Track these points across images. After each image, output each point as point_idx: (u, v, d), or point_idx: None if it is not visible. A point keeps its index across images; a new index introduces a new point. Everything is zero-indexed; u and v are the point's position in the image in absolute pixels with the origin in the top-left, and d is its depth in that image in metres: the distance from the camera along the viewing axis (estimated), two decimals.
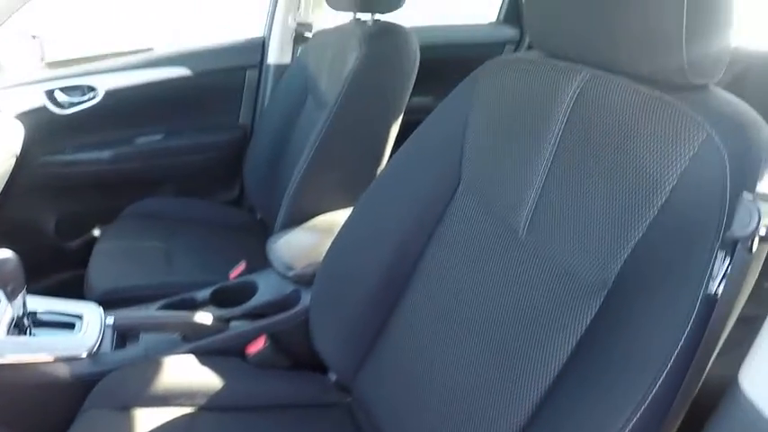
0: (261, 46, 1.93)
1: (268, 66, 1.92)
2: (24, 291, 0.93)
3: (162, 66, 1.84)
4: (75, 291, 1.32)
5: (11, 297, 0.92)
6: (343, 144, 1.38)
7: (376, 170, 1.40)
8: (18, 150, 1.63)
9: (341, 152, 1.38)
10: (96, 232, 1.84)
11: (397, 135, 1.40)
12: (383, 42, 1.38)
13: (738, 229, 0.49)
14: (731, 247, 0.51)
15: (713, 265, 0.52)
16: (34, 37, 1.92)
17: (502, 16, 2.33)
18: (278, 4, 1.90)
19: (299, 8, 1.91)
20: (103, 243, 1.60)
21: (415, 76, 1.40)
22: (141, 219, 1.71)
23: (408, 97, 1.40)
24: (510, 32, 2.29)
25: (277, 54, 1.91)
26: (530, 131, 0.76)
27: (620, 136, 0.65)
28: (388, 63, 1.38)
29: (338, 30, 1.55)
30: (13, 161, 1.61)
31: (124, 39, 2.58)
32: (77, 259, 1.65)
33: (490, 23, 2.37)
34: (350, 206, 1.03)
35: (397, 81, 1.38)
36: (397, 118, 1.40)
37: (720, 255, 0.52)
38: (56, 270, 1.80)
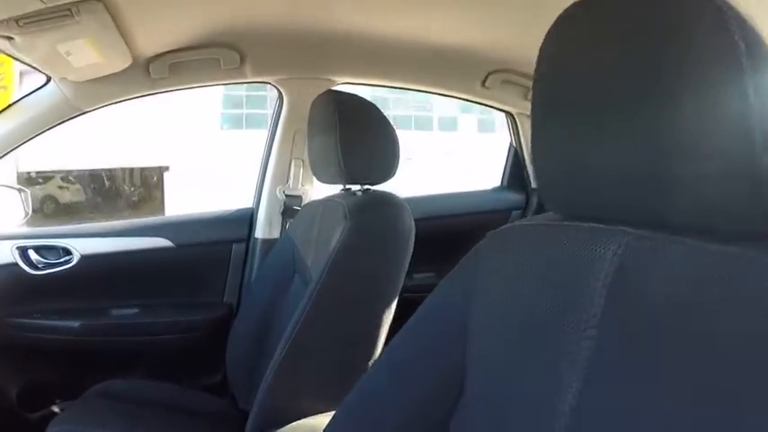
0: (249, 218, 1.84)
1: (256, 240, 1.81)
2: None
3: (144, 234, 1.75)
4: None
5: None
6: (326, 331, 1.20)
7: (366, 363, 1.20)
8: None
9: (322, 342, 1.20)
10: (56, 408, 1.65)
11: (397, 316, 1.21)
12: (373, 214, 1.25)
13: None
14: None
15: None
16: (21, 190, 1.82)
17: (505, 180, 2.20)
18: (266, 176, 1.83)
19: (288, 180, 1.82)
20: (59, 426, 1.38)
21: (410, 251, 1.25)
22: (105, 401, 1.51)
23: (404, 275, 1.25)
24: (515, 197, 2.16)
25: (265, 228, 1.81)
26: (555, 318, 0.54)
27: (698, 316, 0.44)
28: (378, 237, 1.24)
29: (326, 201, 1.44)
30: None
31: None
32: None
33: (493, 189, 2.24)
34: (332, 409, 0.80)
35: (390, 257, 1.23)
36: (391, 300, 1.24)
37: None
38: None
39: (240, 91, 11.64)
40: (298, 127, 1.77)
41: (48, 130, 1.60)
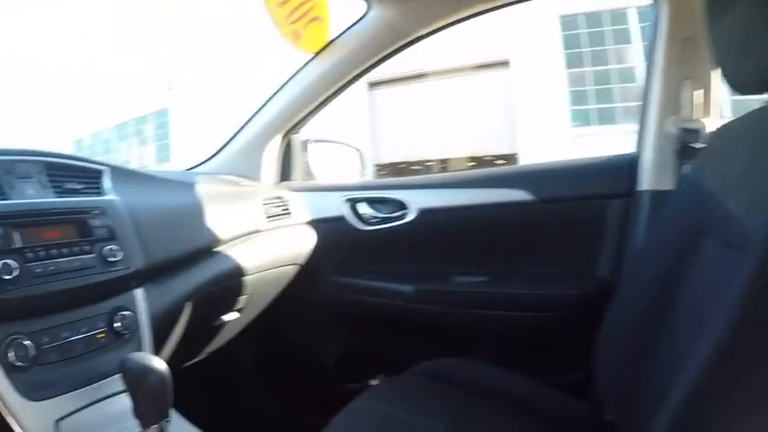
0: (629, 166, 1.33)
1: (640, 193, 1.30)
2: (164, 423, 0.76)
3: (496, 186, 1.41)
4: None
5: (146, 422, 0.76)
6: None
7: None
8: (304, 261, 1.45)
9: None
10: (375, 382, 1.49)
11: None
12: None
13: None
14: None
15: None
16: (357, 150, 1.79)
17: None
18: (649, 107, 1.30)
19: (680, 109, 1.26)
20: (369, 401, 1.15)
21: None
22: (431, 381, 1.22)
23: None
24: None
25: (653, 176, 1.28)
26: None
27: None
28: None
29: (751, 121, 0.86)
30: (295, 272, 1.42)
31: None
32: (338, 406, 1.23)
33: None
34: None
35: None
36: None
37: None
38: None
39: (587, 86, 10.95)
40: (688, 34, 1.24)
41: (379, 61, 1.43)
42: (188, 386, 1.40)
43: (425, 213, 1.41)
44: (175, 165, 15.96)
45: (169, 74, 16.89)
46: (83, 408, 0.86)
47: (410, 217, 1.41)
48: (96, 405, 0.87)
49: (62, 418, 0.83)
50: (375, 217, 1.46)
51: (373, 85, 12.11)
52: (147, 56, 17.01)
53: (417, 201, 1.42)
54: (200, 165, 1.68)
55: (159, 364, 0.77)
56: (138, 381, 0.76)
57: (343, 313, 1.56)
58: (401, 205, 1.43)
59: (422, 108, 12.13)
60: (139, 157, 19.68)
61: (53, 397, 0.83)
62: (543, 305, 1.36)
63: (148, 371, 0.76)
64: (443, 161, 12.54)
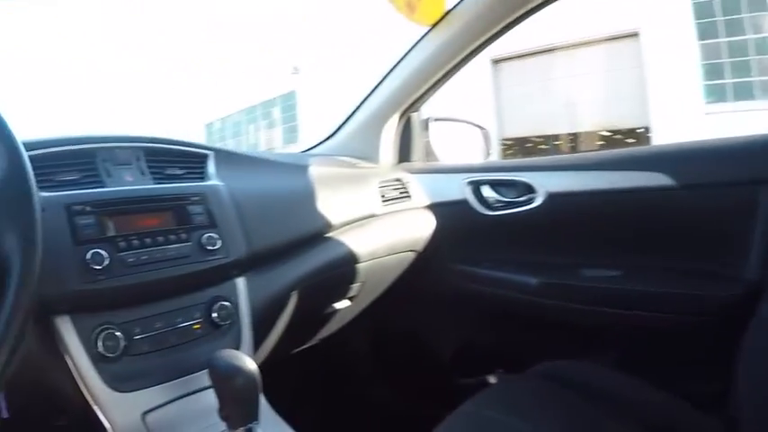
0: None
1: None
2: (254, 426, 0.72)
3: (630, 168, 1.23)
4: None
5: (233, 424, 0.72)
6: None
7: None
8: (422, 247, 1.38)
9: None
10: (492, 379, 1.39)
11: None
12: None
13: None
14: None
15: None
16: (481, 128, 1.68)
17: None
18: None
19: None
20: (483, 403, 1.03)
21: None
22: (553, 387, 1.09)
23: None
24: None
25: None
26: None
27: None
28: None
29: None
30: (411, 259, 1.36)
31: None
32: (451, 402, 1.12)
33: None
34: None
35: None
36: None
37: None
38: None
39: (722, 58, 9.88)
40: None
41: (500, 31, 1.32)
42: (295, 373, 1.38)
43: (554, 198, 1.27)
44: (301, 147, 16.58)
45: (296, 57, 17.47)
46: (171, 401, 0.83)
47: (537, 202, 1.28)
48: (185, 399, 0.84)
49: (149, 411, 0.81)
50: (499, 201, 1.33)
51: (497, 61, 11.82)
52: (273, 40, 17.70)
53: (546, 184, 1.27)
54: (315, 146, 1.65)
55: (249, 364, 0.72)
56: (224, 381, 0.72)
57: (460, 304, 1.47)
58: (528, 188, 1.29)
59: (549, 82, 11.66)
60: (267, 140, 20.66)
61: (142, 389, 0.81)
62: (682, 306, 1.18)
63: (236, 371, 0.71)
64: (572, 135, 12.00)
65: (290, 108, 18.98)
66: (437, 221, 1.41)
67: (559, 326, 1.33)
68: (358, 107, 1.56)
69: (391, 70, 1.47)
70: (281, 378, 1.12)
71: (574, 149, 11.98)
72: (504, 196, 1.33)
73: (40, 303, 0.71)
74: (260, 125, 21.23)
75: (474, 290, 1.39)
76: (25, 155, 0.63)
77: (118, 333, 0.79)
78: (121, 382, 0.79)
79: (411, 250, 1.38)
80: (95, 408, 0.78)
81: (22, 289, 0.56)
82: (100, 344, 0.78)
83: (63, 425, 0.91)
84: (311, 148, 1.66)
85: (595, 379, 1.10)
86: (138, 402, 0.80)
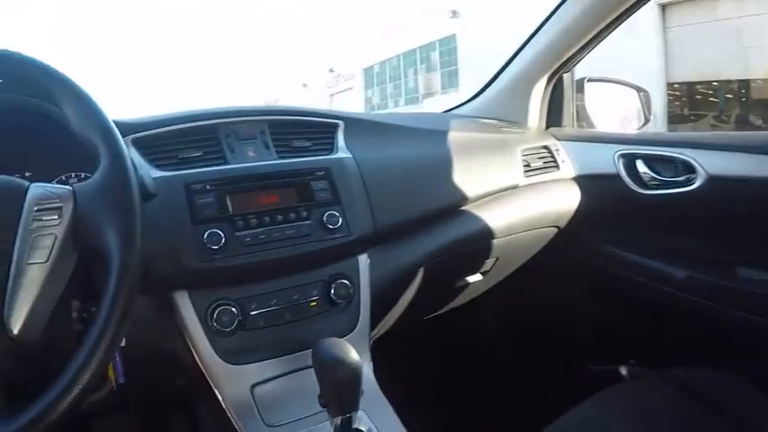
0: None
1: None
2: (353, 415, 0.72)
3: None
4: None
5: (332, 412, 0.72)
6: None
7: None
8: (564, 223, 1.28)
9: None
10: (623, 371, 1.30)
11: None
12: None
13: None
14: None
15: None
16: (640, 90, 1.50)
17: None
18: None
19: None
20: (605, 405, 0.96)
21: None
22: (686, 398, 0.97)
23: None
24: None
25: None
26: None
27: None
28: None
29: None
30: (551, 235, 1.28)
31: None
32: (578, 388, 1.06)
33: None
34: None
35: None
36: None
37: None
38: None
39: None
40: None
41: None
42: (412, 344, 1.36)
43: (716, 182, 1.09)
44: (461, 91, 16.32)
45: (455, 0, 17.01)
46: (280, 375, 0.85)
47: (696, 184, 1.11)
48: (293, 374, 0.85)
49: (258, 384, 0.83)
50: (654, 179, 1.19)
51: (665, 5, 10.58)
52: None
53: (708, 165, 1.10)
54: (459, 106, 1.58)
55: (352, 355, 0.71)
56: (326, 371, 0.72)
57: (599, 287, 1.36)
58: (687, 168, 1.13)
59: (723, 27, 10.22)
60: (426, 84, 20.59)
61: (253, 362, 0.83)
62: None
63: (339, 362, 0.70)
64: (742, 81, 10.54)
65: (449, 52, 18.64)
66: (582, 195, 1.29)
67: (704, 327, 1.19)
68: (505, 66, 1.46)
69: (542, 25, 1.35)
70: (397, 349, 1.11)
71: (746, 103, 10.51)
72: (659, 174, 1.18)
73: (159, 279, 0.76)
74: (419, 69, 21.15)
75: (615, 273, 1.28)
76: (127, 155, 0.65)
77: (234, 309, 0.81)
78: (234, 355, 0.82)
79: (551, 226, 1.29)
80: (209, 379, 0.82)
81: (122, 280, 0.59)
82: (215, 319, 0.81)
83: (182, 383, 0.97)
84: (455, 108, 1.59)
85: (736, 397, 0.97)
86: (249, 375, 0.83)
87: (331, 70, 28.28)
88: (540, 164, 1.28)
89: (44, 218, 0.60)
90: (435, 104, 13.80)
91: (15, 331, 0.57)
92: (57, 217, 0.61)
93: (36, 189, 0.62)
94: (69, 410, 0.55)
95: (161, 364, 0.91)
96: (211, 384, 0.83)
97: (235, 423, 0.81)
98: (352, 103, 26.09)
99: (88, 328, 0.59)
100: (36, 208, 0.60)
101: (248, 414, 0.82)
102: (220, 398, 0.83)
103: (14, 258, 0.58)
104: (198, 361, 0.82)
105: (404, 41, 20.87)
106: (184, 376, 0.94)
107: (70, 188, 0.64)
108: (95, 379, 0.57)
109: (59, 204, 0.61)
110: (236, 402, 0.82)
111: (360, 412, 0.74)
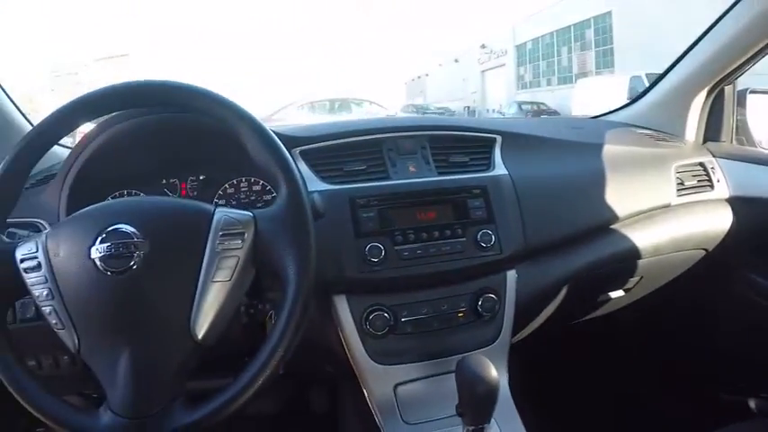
0: None
1: None
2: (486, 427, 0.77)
3: None
4: None
5: (467, 421, 0.77)
6: None
7: None
8: (712, 246, 1.24)
9: None
10: (751, 402, 1.21)
11: None
12: None
13: None
14: None
15: None
16: None
17: None
18: None
19: None
20: None
21: None
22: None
23: None
24: None
25: None
26: None
27: None
28: None
29: None
30: (697, 257, 1.26)
31: None
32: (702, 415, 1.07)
33: None
34: None
35: None
36: None
37: None
38: None
39: None
40: None
41: None
42: (547, 351, 1.37)
43: None
44: (616, 72, 15.39)
45: None
46: (422, 378, 0.91)
47: None
48: (434, 378, 0.91)
49: (401, 384, 0.90)
50: None
51: None
52: None
53: None
54: (614, 112, 1.55)
55: (492, 373, 0.74)
56: (467, 386, 0.75)
57: (740, 314, 1.30)
58: None
59: None
60: (580, 63, 19.65)
61: (399, 364, 0.90)
62: None
63: (479, 380, 0.74)
64: None
65: (604, 29, 17.61)
66: (734, 218, 1.23)
67: None
68: (664, 74, 1.41)
69: (708, 31, 1.29)
70: (531, 354, 1.14)
71: None
72: None
73: (322, 284, 0.83)
74: (572, 47, 20.24)
75: (758, 303, 1.21)
76: (304, 189, 0.69)
77: (387, 314, 0.89)
78: (382, 356, 0.89)
79: (700, 248, 1.25)
80: (357, 374, 0.90)
81: (296, 301, 0.65)
82: (369, 322, 0.88)
83: (330, 371, 1.06)
84: (609, 113, 1.57)
85: None
86: (393, 375, 0.90)
87: (483, 46, 27.83)
88: (694, 182, 1.24)
89: (228, 242, 0.65)
90: (589, 85, 13.05)
91: (200, 337, 0.63)
92: (240, 242, 0.65)
93: (220, 214, 0.67)
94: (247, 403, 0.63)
95: (316, 355, 0.97)
96: (359, 380, 0.91)
97: (376, 417, 0.89)
98: (503, 80, 25.54)
99: (266, 336, 0.65)
100: (221, 233, 0.65)
101: (390, 409, 0.89)
102: (366, 393, 0.91)
103: (201, 277, 0.63)
104: (349, 357, 0.90)
105: (558, 18, 20.05)
106: (334, 365, 1.01)
107: (251, 214, 0.68)
108: (271, 379, 0.65)
109: (242, 230, 0.66)
110: (379, 398, 0.90)
111: (491, 422, 0.78)
